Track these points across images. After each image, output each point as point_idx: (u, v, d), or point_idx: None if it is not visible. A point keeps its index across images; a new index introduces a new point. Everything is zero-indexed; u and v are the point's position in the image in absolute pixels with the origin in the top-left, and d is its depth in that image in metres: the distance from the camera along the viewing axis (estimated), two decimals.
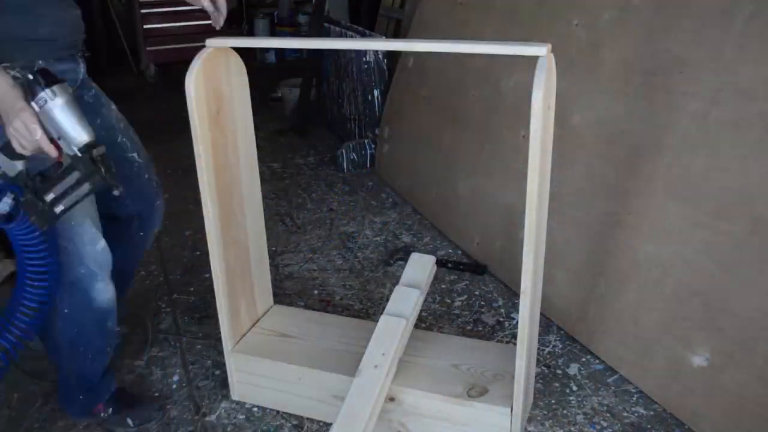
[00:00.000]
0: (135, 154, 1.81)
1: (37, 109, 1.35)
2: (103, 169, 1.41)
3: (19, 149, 1.38)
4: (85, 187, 1.41)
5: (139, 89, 5.65)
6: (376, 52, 3.60)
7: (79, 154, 1.39)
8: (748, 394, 1.64)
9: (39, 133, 1.35)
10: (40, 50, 1.51)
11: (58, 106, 1.36)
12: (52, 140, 1.38)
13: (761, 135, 1.67)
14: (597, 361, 2.05)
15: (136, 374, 2.09)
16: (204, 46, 1.64)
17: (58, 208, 1.42)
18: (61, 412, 1.93)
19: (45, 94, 1.34)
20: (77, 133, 1.39)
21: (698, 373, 1.76)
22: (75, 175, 1.41)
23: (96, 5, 6.09)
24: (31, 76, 1.36)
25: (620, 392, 1.93)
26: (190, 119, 1.61)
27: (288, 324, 2.01)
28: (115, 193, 1.44)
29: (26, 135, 1.35)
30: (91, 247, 1.65)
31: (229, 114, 1.75)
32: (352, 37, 3.80)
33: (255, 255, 1.97)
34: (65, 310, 1.70)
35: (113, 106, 1.79)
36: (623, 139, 2.03)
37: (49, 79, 1.36)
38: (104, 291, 1.71)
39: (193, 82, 1.57)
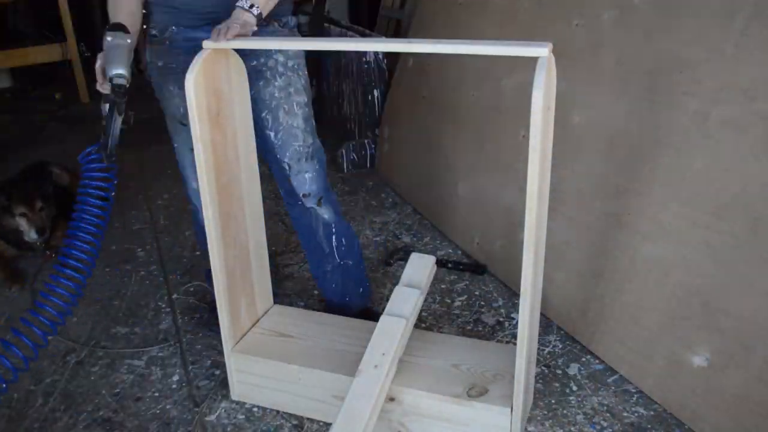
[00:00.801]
0: (272, 133, 1.94)
1: (105, 47, 1.72)
2: (118, 99, 1.74)
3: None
4: (116, 117, 1.75)
5: (139, 89, 5.63)
6: (376, 52, 3.60)
7: (108, 84, 1.72)
8: (748, 394, 1.64)
9: (98, 64, 1.75)
10: (175, 17, 1.82)
11: (108, 46, 1.72)
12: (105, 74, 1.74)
13: (761, 135, 1.67)
14: (597, 361, 2.06)
15: (136, 374, 2.09)
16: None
17: (109, 142, 1.76)
18: (60, 412, 1.93)
19: (107, 35, 1.71)
20: (112, 67, 1.71)
21: (698, 373, 1.76)
22: (106, 106, 1.74)
23: (96, 5, 6.09)
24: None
25: (620, 392, 1.93)
26: (189, 119, 1.62)
27: (288, 324, 2.01)
28: (122, 126, 1.75)
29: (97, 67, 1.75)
30: (188, 183, 2.05)
31: (229, 114, 1.75)
32: (352, 37, 3.79)
33: (255, 255, 1.97)
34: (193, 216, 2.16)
35: (277, 83, 1.90)
36: (623, 139, 2.03)
37: (114, 28, 1.72)
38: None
39: (193, 82, 1.57)
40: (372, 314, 2.16)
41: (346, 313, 2.15)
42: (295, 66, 1.92)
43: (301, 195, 2.02)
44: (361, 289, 2.23)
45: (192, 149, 1.85)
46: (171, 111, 1.95)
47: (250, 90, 1.89)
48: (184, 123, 1.87)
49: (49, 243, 2.80)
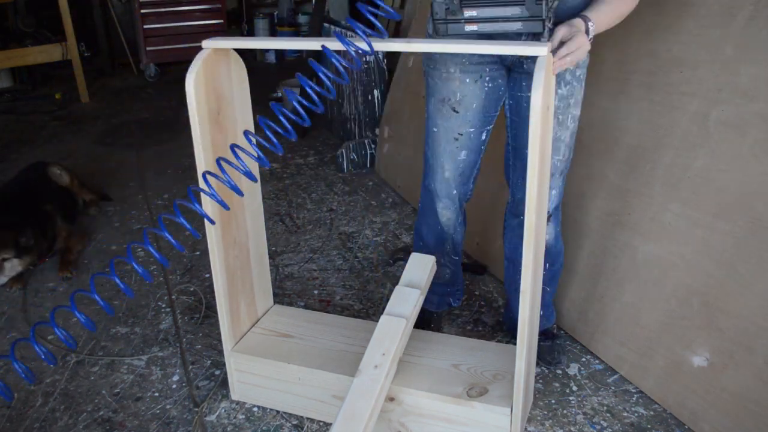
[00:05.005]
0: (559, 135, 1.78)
1: None
2: (545, 16, 1.40)
3: None
4: (515, 25, 1.44)
5: (139, 89, 5.65)
6: (376, 52, 3.60)
7: None
8: (748, 394, 1.64)
9: None
10: None
11: None
12: None
13: (761, 135, 1.67)
14: (597, 361, 2.06)
15: (137, 374, 2.09)
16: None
17: (470, 27, 1.45)
18: (60, 412, 1.93)
19: None
20: None
21: (698, 373, 1.76)
22: (515, 9, 1.42)
23: (96, 5, 6.09)
24: None
25: (620, 392, 1.93)
26: (190, 119, 1.61)
27: (288, 324, 2.01)
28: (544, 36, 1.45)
29: None
30: (440, 171, 1.93)
31: (229, 114, 1.75)
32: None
33: (255, 255, 1.97)
34: (420, 205, 2.09)
35: (560, 92, 1.73)
36: (623, 139, 2.03)
37: None
38: (442, 213, 2.00)
39: (193, 82, 1.57)
40: (548, 335, 2.07)
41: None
42: (581, 76, 1.76)
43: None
44: (542, 312, 2.00)
45: (457, 138, 1.84)
46: (444, 94, 1.81)
47: (526, 89, 1.76)
48: (457, 110, 1.80)
49: (51, 248, 2.80)
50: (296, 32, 6.62)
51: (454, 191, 1.95)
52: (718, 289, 1.74)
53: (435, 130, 1.88)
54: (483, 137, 1.89)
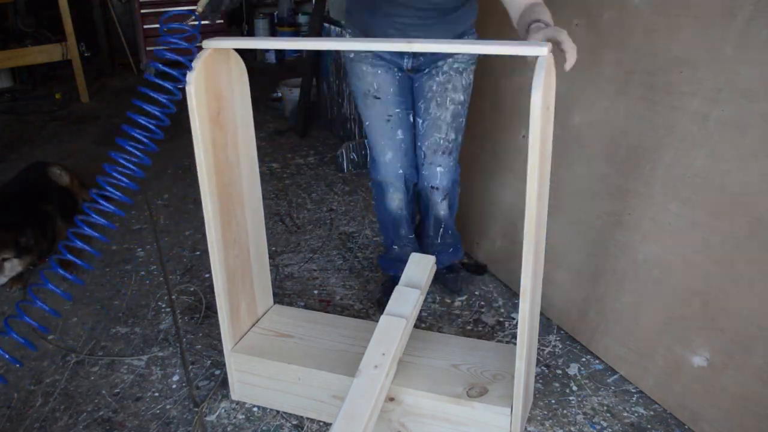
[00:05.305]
0: (420, 120, 2.09)
1: None
2: None
3: None
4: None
5: None
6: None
7: None
8: (748, 394, 1.64)
9: None
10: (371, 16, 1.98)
11: None
12: None
13: (761, 135, 1.67)
14: (597, 361, 2.06)
15: (137, 374, 2.09)
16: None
17: (225, 4, 1.68)
18: (60, 412, 1.93)
19: None
20: None
21: (698, 373, 1.76)
22: None
23: (96, 5, 6.09)
24: None
25: (620, 392, 1.93)
26: (190, 119, 1.62)
27: (288, 324, 2.01)
28: None
29: None
30: (381, 157, 2.11)
31: (229, 114, 1.75)
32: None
33: (255, 255, 1.97)
34: (373, 201, 2.34)
35: (438, 79, 2.02)
36: (623, 139, 2.03)
37: None
38: (392, 199, 2.17)
39: (194, 82, 1.57)
40: (453, 269, 2.44)
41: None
42: (460, 69, 2.03)
43: (429, 186, 2.12)
44: (451, 249, 2.36)
45: (388, 119, 2.07)
46: (364, 88, 2.07)
47: (414, 82, 2.07)
48: (378, 96, 2.06)
49: (51, 248, 2.80)
50: (296, 32, 6.62)
51: (400, 170, 2.13)
52: (718, 289, 1.74)
53: (368, 123, 2.11)
54: (411, 120, 2.11)
